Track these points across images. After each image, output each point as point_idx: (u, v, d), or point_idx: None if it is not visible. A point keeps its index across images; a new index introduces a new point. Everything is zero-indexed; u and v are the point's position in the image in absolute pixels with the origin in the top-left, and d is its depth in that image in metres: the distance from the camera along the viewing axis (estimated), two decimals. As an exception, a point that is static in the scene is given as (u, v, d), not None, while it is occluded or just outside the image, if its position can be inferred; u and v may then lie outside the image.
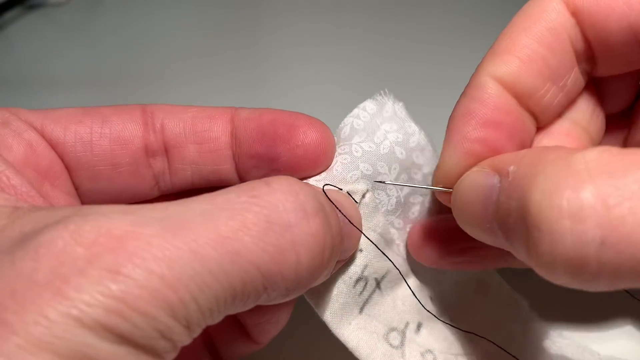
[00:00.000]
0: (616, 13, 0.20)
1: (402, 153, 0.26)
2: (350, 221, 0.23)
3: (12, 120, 0.23)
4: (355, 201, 0.25)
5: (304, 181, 0.25)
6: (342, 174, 0.25)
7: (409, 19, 0.58)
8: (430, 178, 0.27)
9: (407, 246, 0.28)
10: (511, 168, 0.19)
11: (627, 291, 0.25)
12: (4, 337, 0.14)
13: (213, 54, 0.54)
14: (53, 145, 0.23)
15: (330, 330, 0.25)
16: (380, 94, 0.27)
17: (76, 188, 0.25)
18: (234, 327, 0.27)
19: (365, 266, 0.25)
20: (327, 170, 0.25)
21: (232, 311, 0.18)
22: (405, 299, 0.27)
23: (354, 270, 0.25)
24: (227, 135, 0.25)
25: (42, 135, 0.23)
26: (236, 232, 0.17)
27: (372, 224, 0.26)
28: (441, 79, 0.49)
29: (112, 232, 0.16)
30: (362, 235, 0.25)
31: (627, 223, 0.14)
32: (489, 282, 0.30)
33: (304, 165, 0.24)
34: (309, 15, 0.58)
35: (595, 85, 0.25)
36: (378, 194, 0.26)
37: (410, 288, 0.27)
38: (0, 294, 0.15)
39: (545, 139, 0.24)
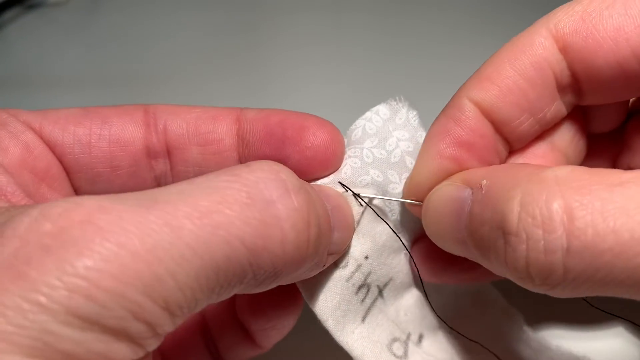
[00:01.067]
0: (604, 50, 0.21)
1: (411, 163, 0.25)
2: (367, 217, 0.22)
3: (9, 121, 0.22)
4: (361, 204, 0.24)
5: (312, 183, 0.24)
6: (352, 178, 0.24)
7: (412, 17, 0.57)
8: None
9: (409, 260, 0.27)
10: (484, 182, 0.20)
11: (584, 299, 0.25)
12: None
13: (214, 54, 0.53)
14: (51, 146, 0.23)
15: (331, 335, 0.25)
16: (395, 100, 0.26)
17: (75, 190, 0.24)
18: (237, 330, 0.27)
19: (369, 273, 0.25)
20: (335, 173, 0.25)
21: (217, 294, 0.17)
22: (408, 309, 0.27)
23: (358, 277, 0.25)
24: (232, 137, 0.24)
25: (40, 136, 0.23)
26: (217, 205, 0.16)
27: (378, 230, 0.25)
28: (444, 78, 0.48)
29: (82, 206, 0.15)
30: (369, 241, 0.25)
31: (587, 234, 0.16)
32: (486, 295, 0.30)
33: (314, 167, 0.24)
34: (312, 15, 0.58)
35: (583, 108, 0.25)
36: (390, 202, 0.25)
37: (425, 292, 0.26)
38: None
39: (520, 160, 0.25)
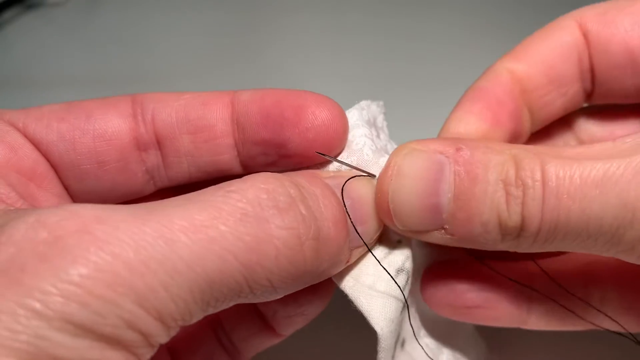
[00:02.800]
0: (617, 38, 0.25)
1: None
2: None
3: None
4: None
5: (332, 173, 0.23)
6: (374, 159, 0.23)
7: (412, 16, 0.57)
8: None
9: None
10: (462, 147, 0.21)
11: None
12: None
13: (213, 54, 0.53)
14: (36, 144, 0.22)
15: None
16: (377, 103, 0.25)
17: (66, 189, 0.23)
18: (255, 320, 0.26)
19: (407, 257, 0.23)
20: (350, 151, 0.23)
21: (213, 307, 0.17)
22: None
23: (393, 259, 0.23)
24: (225, 123, 0.23)
25: (25, 135, 0.22)
26: (211, 221, 0.17)
27: None
28: (444, 78, 0.48)
29: (79, 215, 0.16)
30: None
31: (552, 180, 0.19)
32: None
33: (317, 149, 0.22)
34: (312, 15, 0.57)
35: None
36: None
37: (406, 302, 0.25)
38: None
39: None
